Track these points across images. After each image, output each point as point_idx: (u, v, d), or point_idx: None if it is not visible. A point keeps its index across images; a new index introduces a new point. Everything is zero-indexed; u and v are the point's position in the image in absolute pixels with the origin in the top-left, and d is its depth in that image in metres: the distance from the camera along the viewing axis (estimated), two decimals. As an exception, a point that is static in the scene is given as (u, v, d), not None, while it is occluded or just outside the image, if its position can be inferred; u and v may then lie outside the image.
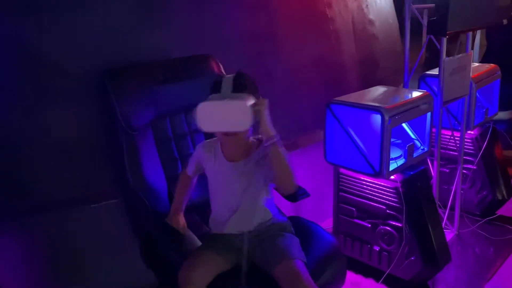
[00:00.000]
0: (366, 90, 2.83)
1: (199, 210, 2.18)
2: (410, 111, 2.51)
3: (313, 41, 3.14)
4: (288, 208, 2.24)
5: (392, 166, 2.49)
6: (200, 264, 1.74)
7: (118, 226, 2.24)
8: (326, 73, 3.23)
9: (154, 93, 2.19)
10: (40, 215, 2.18)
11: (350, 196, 2.72)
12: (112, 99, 2.08)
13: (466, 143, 3.18)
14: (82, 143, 2.22)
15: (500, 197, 3.38)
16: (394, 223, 2.55)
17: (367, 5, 3.58)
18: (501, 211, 3.35)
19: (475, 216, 3.31)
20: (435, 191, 2.79)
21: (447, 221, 3.10)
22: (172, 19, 2.42)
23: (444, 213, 3.06)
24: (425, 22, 2.85)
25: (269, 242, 1.80)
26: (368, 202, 2.65)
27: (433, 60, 3.96)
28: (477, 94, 3.08)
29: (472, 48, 3.10)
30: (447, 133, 3.06)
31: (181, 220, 1.96)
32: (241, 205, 1.82)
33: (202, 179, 2.00)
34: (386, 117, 2.36)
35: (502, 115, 3.78)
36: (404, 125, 2.73)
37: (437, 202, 2.75)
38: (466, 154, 3.21)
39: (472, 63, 2.91)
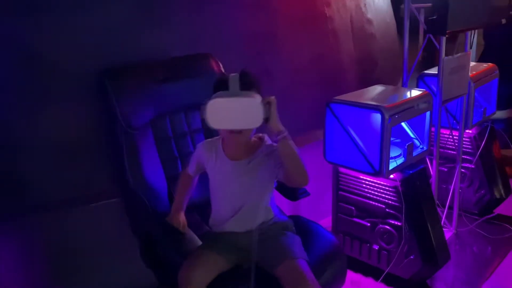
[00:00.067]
0: (366, 89, 2.84)
1: (199, 210, 2.17)
2: (410, 110, 2.52)
3: (312, 40, 3.14)
4: (286, 207, 2.24)
5: (392, 165, 2.50)
6: (200, 264, 1.73)
7: (118, 225, 2.23)
8: (325, 72, 3.23)
9: (153, 92, 2.19)
10: (40, 215, 2.17)
11: (350, 195, 2.73)
12: (112, 99, 2.08)
13: (464, 142, 3.19)
14: (82, 143, 2.21)
15: (498, 196, 3.39)
16: (393, 222, 2.56)
17: (365, 4, 3.59)
18: (499, 210, 3.37)
19: (473, 215, 3.32)
20: (434, 190, 2.79)
21: (446, 220, 3.11)
22: (172, 19, 2.42)
23: (443, 212, 3.07)
24: (422, 21, 2.86)
25: (271, 241, 1.80)
26: (367, 201, 2.65)
27: (430, 59, 3.99)
28: (475, 93, 3.09)
29: (471, 48, 3.11)
30: (445, 132, 3.07)
31: (182, 218, 1.96)
32: (243, 204, 1.81)
33: (202, 178, 2.00)
34: (386, 116, 2.37)
35: (499, 114, 3.80)
36: (403, 124, 2.73)
37: (436, 201, 2.76)
38: (464, 153, 3.21)
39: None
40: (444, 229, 2.72)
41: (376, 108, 2.41)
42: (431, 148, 2.76)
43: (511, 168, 3.65)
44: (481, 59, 4.53)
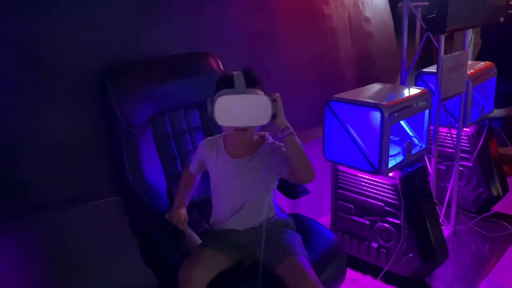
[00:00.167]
0: (364, 87, 2.84)
1: (199, 208, 2.17)
2: (409, 108, 2.52)
3: (310, 38, 3.15)
4: (285, 206, 2.24)
5: (391, 163, 2.50)
6: (200, 263, 1.73)
7: (118, 225, 2.23)
8: (323, 70, 3.24)
9: (153, 90, 2.18)
10: (40, 215, 2.17)
11: (348, 193, 2.73)
12: (112, 99, 2.08)
13: (462, 141, 3.19)
14: (82, 142, 2.20)
15: (495, 194, 3.40)
16: (392, 220, 2.56)
17: (363, 3, 3.59)
18: (496, 208, 3.38)
19: (471, 213, 3.33)
20: (433, 188, 2.80)
21: (444, 218, 3.12)
22: (172, 19, 2.42)
23: (441, 210, 3.08)
24: (420, 19, 2.87)
25: (272, 239, 1.79)
26: (366, 199, 2.66)
27: (427, 57, 3.99)
28: (473, 91, 3.10)
29: (470, 46, 3.12)
30: (444, 130, 3.08)
31: (183, 212, 1.92)
32: (245, 202, 1.81)
33: (202, 176, 2.01)
34: (386, 114, 2.37)
35: (497, 112, 3.81)
36: (402, 122, 2.74)
37: (434, 199, 2.77)
38: (462, 151, 3.22)
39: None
40: (442, 227, 2.73)
41: (375, 106, 2.41)
42: (430, 146, 2.77)
43: (508, 166, 3.66)
44: (478, 57, 4.53)
